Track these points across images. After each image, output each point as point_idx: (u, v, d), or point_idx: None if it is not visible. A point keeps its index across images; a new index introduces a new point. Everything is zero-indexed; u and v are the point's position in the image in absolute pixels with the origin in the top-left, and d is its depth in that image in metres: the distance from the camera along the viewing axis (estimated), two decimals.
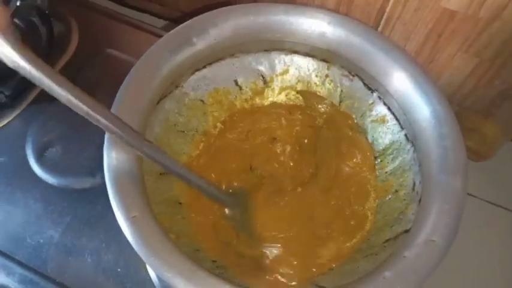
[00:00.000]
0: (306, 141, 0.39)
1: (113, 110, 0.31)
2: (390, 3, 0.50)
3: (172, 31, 0.35)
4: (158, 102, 0.35)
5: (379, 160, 0.38)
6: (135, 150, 0.27)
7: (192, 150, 0.38)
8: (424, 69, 0.34)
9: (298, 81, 0.41)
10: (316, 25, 0.36)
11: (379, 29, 0.53)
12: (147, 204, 0.29)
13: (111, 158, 0.29)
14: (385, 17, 0.51)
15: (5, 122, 0.45)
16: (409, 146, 0.35)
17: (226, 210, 0.35)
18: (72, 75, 0.46)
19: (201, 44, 0.35)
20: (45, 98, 0.47)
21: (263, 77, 0.41)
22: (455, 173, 0.29)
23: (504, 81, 0.46)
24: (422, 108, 0.33)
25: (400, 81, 0.35)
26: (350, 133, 0.39)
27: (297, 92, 0.41)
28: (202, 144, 0.38)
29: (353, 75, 0.38)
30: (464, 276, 0.50)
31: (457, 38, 0.50)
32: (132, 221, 0.27)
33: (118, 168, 0.29)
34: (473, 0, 0.45)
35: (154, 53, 0.34)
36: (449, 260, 0.48)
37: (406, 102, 0.34)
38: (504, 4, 0.44)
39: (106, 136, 0.30)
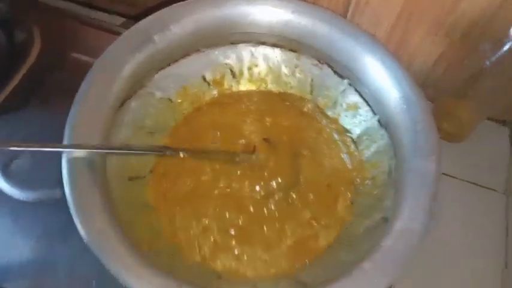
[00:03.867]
0: (278, 137, 0.38)
1: (72, 112, 0.29)
2: None
3: (131, 28, 0.34)
4: (122, 104, 0.34)
5: (354, 147, 0.37)
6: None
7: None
8: (393, 54, 0.34)
9: (268, 73, 0.40)
10: (280, 14, 0.35)
11: (348, 15, 0.52)
12: (113, 214, 0.28)
13: (71, 170, 0.28)
14: (352, 3, 0.51)
15: None
16: (382, 132, 0.34)
17: None
18: (36, 80, 0.45)
19: (162, 41, 0.34)
20: (10, 108, 0.45)
21: (232, 71, 0.40)
22: (429, 156, 0.29)
23: (474, 61, 0.46)
24: (393, 93, 0.32)
25: (370, 67, 0.35)
26: (324, 124, 0.38)
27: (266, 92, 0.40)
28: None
29: (322, 64, 0.37)
30: (445, 255, 0.50)
31: (426, 20, 0.50)
32: (95, 234, 0.25)
33: (78, 179, 0.28)
34: None
35: (114, 52, 0.32)
36: (430, 240, 0.49)
37: (376, 87, 0.33)
38: None
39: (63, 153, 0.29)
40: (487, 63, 0.45)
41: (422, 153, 0.29)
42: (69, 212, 0.27)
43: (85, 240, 0.25)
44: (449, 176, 0.56)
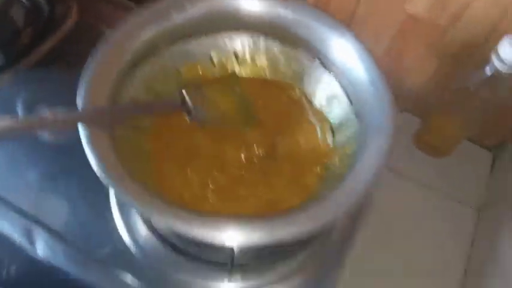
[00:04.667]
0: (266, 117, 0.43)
1: (88, 67, 0.35)
2: (361, 7, 0.55)
3: (154, 3, 0.40)
4: (136, 66, 0.40)
5: (330, 133, 0.42)
6: None
7: None
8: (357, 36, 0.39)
9: (267, 62, 0.45)
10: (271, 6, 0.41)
11: (351, 28, 0.58)
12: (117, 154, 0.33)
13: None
14: (356, 18, 0.57)
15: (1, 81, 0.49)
16: (355, 120, 0.39)
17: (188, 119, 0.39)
18: (66, 47, 0.52)
19: (179, 18, 0.40)
20: (42, 64, 0.52)
21: (236, 57, 0.45)
22: (386, 134, 0.34)
23: (460, 83, 0.51)
24: (364, 80, 0.37)
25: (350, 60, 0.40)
26: (308, 110, 0.44)
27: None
28: None
29: (314, 58, 0.43)
30: (411, 259, 0.53)
31: (419, 42, 0.55)
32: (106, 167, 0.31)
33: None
34: (432, 7, 0.50)
35: (134, 20, 0.38)
36: (399, 243, 0.52)
37: (351, 75, 0.38)
38: (459, 13, 0.49)
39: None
40: (471, 85, 0.50)
41: (381, 130, 0.34)
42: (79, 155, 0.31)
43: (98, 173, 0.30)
44: (427, 186, 0.60)
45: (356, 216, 0.47)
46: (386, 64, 0.60)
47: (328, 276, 0.42)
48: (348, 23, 0.57)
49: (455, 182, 0.60)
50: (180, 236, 0.41)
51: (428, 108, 0.59)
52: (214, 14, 0.41)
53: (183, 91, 0.39)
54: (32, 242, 0.41)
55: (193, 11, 0.41)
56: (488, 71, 0.47)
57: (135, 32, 0.38)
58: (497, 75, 0.46)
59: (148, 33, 0.39)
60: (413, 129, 0.63)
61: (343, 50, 0.39)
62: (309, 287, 0.41)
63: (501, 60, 0.45)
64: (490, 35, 0.49)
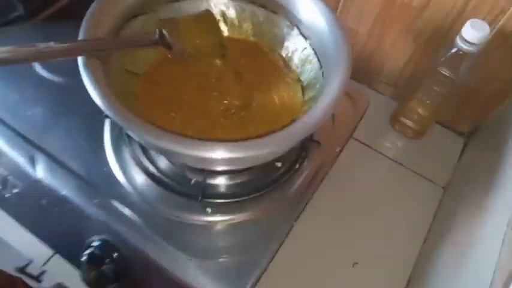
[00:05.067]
0: (246, 73, 0.49)
1: (89, 11, 0.41)
2: None
3: None
4: (135, 17, 0.46)
5: (301, 91, 0.48)
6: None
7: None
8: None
9: (252, 26, 0.51)
10: None
11: (338, 10, 0.63)
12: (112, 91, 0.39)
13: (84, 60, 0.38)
14: (342, 0, 0.62)
15: (19, 32, 0.56)
16: (322, 79, 0.44)
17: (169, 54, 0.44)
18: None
19: None
20: (55, 19, 0.58)
21: (225, 19, 0.51)
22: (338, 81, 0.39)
23: (436, 67, 0.55)
24: (322, 23, 0.43)
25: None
26: (284, 71, 0.49)
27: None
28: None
29: (293, 25, 0.48)
30: (375, 228, 0.58)
31: (397, 24, 0.60)
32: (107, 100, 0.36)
33: (89, 67, 0.38)
34: None
35: None
36: (368, 209, 0.57)
37: (319, 35, 0.44)
38: None
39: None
40: (437, 64, 0.54)
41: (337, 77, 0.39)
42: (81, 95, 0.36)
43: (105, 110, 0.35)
44: (400, 164, 0.64)
45: (322, 174, 0.51)
46: (369, 47, 0.65)
47: (288, 215, 0.47)
48: (334, 5, 0.63)
49: (427, 162, 0.65)
50: (161, 167, 0.47)
51: (407, 92, 0.64)
52: None
53: (163, 29, 0.43)
54: (33, 165, 0.48)
55: None
56: (452, 51, 0.52)
57: None
58: (459, 54, 0.51)
59: None
60: (390, 111, 0.68)
61: (312, 11, 0.45)
62: (269, 223, 0.46)
63: (464, 41, 0.49)
64: (457, 21, 0.53)
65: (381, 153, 0.65)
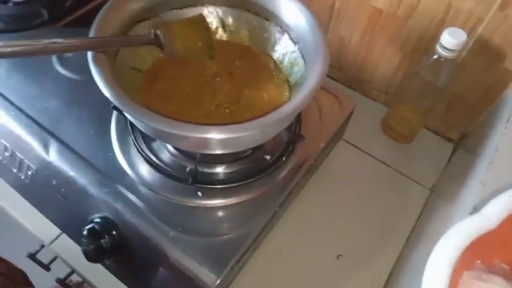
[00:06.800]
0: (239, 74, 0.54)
1: (100, 13, 0.47)
2: (337, 0, 0.65)
3: None
4: (142, 21, 0.52)
5: (288, 90, 0.52)
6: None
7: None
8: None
9: (248, 32, 0.56)
10: None
11: (332, 20, 0.68)
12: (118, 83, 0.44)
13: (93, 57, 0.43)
14: (335, 11, 0.67)
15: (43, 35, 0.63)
16: (305, 70, 0.49)
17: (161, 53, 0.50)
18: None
19: None
20: (74, 24, 0.65)
21: (223, 26, 0.57)
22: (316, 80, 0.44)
23: (422, 74, 0.59)
24: (306, 28, 0.48)
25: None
26: (274, 73, 0.54)
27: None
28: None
29: (284, 31, 0.54)
30: (364, 222, 0.61)
31: (385, 33, 0.64)
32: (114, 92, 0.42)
33: (98, 63, 0.43)
34: (392, 0, 0.60)
35: None
36: (356, 207, 0.60)
37: (305, 39, 0.49)
38: (415, 4, 0.58)
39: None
40: (420, 70, 0.59)
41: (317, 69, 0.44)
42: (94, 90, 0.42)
43: (108, 96, 0.40)
44: (390, 166, 0.68)
45: (306, 166, 0.55)
46: (361, 55, 0.70)
47: (272, 200, 0.51)
48: (328, 16, 0.68)
49: (415, 165, 0.68)
50: (160, 155, 0.53)
51: (397, 98, 0.68)
52: None
53: (158, 31, 0.49)
54: (47, 150, 0.53)
55: None
56: (434, 57, 0.56)
57: None
58: (440, 61, 0.55)
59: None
60: (382, 116, 0.72)
61: (298, 18, 0.50)
62: (255, 207, 0.50)
63: (443, 47, 0.54)
64: (438, 30, 0.57)
65: (370, 155, 0.68)
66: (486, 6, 0.52)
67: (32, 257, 0.72)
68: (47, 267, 0.73)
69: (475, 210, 0.42)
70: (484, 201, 0.34)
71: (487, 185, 0.41)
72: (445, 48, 0.53)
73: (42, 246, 0.68)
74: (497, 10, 0.52)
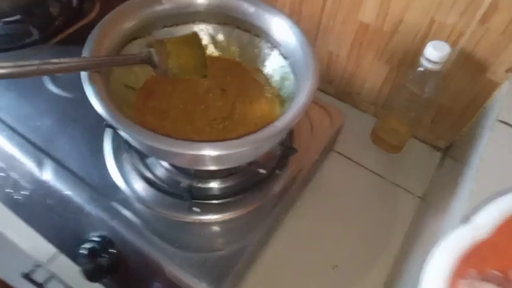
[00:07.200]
0: (231, 89, 0.55)
1: (94, 31, 0.47)
2: (324, 17, 0.67)
3: None
4: (135, 39, 0.52)
5: (280, 105, 0.53)
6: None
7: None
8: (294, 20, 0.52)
9: (238, 49, 0.57)
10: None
11: (319, 35, 0.70)
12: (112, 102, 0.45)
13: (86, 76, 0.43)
14: (321, 27, 0.69)
15: (34, 54, 0.63)
16: (296, 86, 0.50)
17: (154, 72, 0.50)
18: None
19: (168, 4, 0.53)
20: (63, 43, 0.66)
21: (215, 43, 0.58)
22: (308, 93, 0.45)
23: (408, 86, 0.61)
24: (296, 44, 0.50)
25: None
26: (265, 87, 0.55)
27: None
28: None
29: (274, 47, 0.55)
30: (357, 231, 0.62)
31: (372, 47, 0.66)
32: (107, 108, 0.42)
33: (92, 81, 0.44)
34: (378, 15, 0.62)
35: (132, 4, 0.51)
36: (348, 217, 0.61)
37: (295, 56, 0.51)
38: (398, 20, 0.60)
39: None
40: (406, 82, 0.60)
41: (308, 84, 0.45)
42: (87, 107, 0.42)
43: (103, 115, 0.41)
44: (381, 176, 0.69)
45: (300, 178, 0.56)
46: (349, 69, 0.71)
47: (268, 213, 0.52)
48: (315, 31, 0.69)
49: (405, 174, 0.69)
50: (155, 172, 0.53)
51: (386, 111, 0.69)
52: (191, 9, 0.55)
53: (151, 50, 0.49)
54: (41, 169, 0.53)
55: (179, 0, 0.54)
56: (419, 69, 0.57)
57: (133, 13, 0.51)
58: (425, 72, 0.57)
59: (142, 14, 0.52)
60: (371, 127, 0.73)
61: (288, 35, 0.51)
62: (251, 221, 0.51)
63: (427, 60, 0.55)
64: (423, 43, 0.59)
65: (361, 165, 0.70)
66: (467, 21, 0.54)
67: (27, 276, 0.71)
68: (41, 287, 0.72)
69: (465, 218, 0.44)
70: (473, 210, 0.35)
71: (476, 193, 0.42)
72: (429, 61, 0.55)
73: (38, 265, 0.67)
74: (478, 24, 0.54)
